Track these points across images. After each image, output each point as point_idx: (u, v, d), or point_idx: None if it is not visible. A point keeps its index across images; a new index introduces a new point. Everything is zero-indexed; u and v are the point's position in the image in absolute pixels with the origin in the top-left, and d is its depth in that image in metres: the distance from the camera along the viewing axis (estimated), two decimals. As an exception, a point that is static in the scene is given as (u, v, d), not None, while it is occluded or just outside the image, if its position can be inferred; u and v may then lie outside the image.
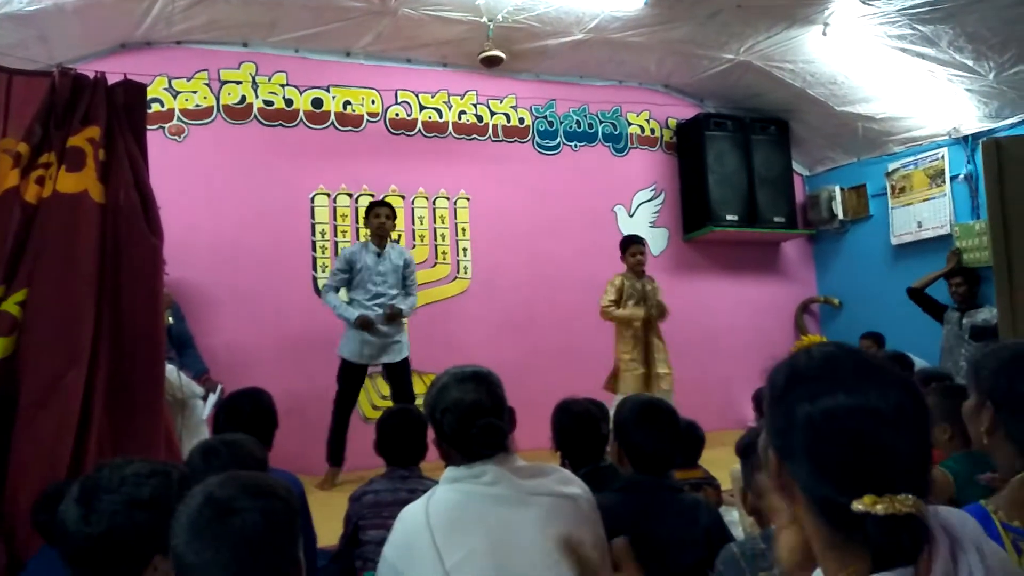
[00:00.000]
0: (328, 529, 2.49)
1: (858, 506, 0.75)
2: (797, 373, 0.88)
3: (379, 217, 4.35)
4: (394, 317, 4.25)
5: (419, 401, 4.61)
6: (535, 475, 1.55)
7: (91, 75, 2.84)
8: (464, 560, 1.40)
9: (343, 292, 4.43)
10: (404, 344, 4.43)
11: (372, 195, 5.27)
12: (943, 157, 5.49)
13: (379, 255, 4.36)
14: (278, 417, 2.53)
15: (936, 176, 5.55)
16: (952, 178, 5.44)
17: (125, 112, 2.87)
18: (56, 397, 2.51)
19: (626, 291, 4.79)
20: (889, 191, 5.90)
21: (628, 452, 1.95)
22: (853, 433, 0.79)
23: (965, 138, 5.31)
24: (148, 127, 3.04)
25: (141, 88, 2.97)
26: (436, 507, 1.48)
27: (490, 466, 1.50)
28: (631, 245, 4.90)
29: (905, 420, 0.80)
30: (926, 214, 5.61)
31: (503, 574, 1.41)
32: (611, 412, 2.31)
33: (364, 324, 4.18)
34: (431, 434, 1.65)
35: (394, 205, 4.67)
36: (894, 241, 5.86)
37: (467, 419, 1.51)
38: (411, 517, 1.50)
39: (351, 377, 4.32)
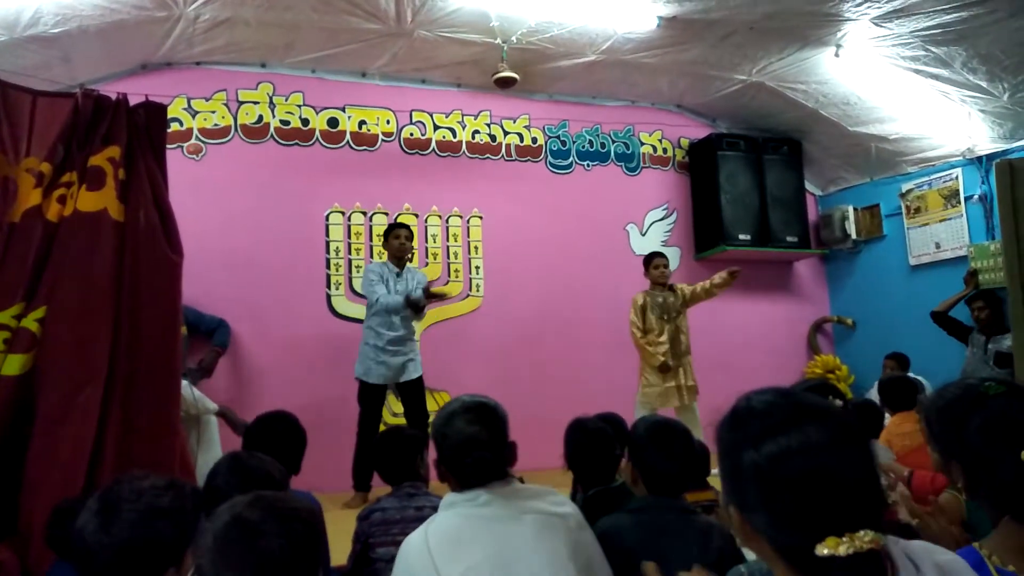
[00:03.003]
0: (336, 548, 2.48)
1: (822, 550, 0.76)
2: (739, 424, 0.89)
3: (399, 238, 4.44)
4: (421, 307, 4.35)
5: (433, 418, 4.62)
6: (528, 496, 1.64)
7: (113, 96, 2.89)
8: (464, 574, 1.46)
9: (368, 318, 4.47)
10: (417, 362, 4.44)
11: (386, 213, 5.32)
12: (957, 178, 5.47)
13: (399, 275, 4.42)
14: (306, 439, 2.54)
15: (951, 197, 5.53)
16: (967, 199, 5.41)
17: (146, 132, 2.92)
18: (72, 414, 2.53)
19: (649, 306, 4.86)
20: (904, 211, 5.87)
21: (643, 473, 1.94)
22: (798, 472, 0.80)
23: (979, 159, 5.29)
24: (167, 146, 3.09)
25: (162, 109, 3.03)
26: (435, 531, 1.57)
27: (483, 490, 1.60)
28: (654, 258, 5.03)
29: (845, 451, 0.81)
30: (943, 235, 5.58)
31: None
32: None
33: (412, 304, 4.24)
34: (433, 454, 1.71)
35: (408, 224, 4.74)
36: (912, 262, 5.83)
37: (463, 449, 1.61)
38: (412, 543, 1.57)
39: (371, 398, 4.33)
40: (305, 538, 1.15)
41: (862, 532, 0.76)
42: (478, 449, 1.60)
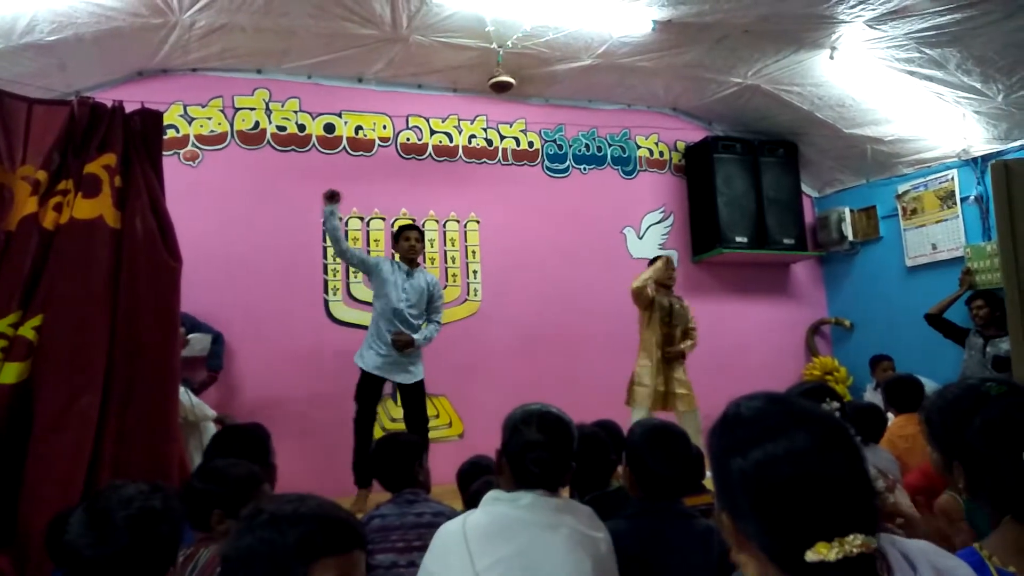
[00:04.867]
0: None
1: (812, 556, 0.77)
2: (727, 431, 0.89)
3: (408, 240, 4.39)
4: (403, 345, 4.24)
5: (431, 423, 4.61)
6: (567, 511, 1.70)
7: (109, 103, 2.90)
8: (494, 564, 1.54)
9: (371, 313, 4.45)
10: (419, 366, 4.41)
11: (383, 219, 5.32)
12: (953, 179, 5.48)
13: (408, 274, 4.39)
14: (272, 449, 2.44)
15: (947, 198, 5.54)
16: (963, 200, 5.43)
17: (142, 139, 2.92)
18: (70, 421, 2.53)
19: (657, 304, 4.82)
20: (900, 213, 5.88)
21: (640, 478, 1.94)
22: (785, 478, 0.80)
23: (975, 160, 5.30)
24: (163, 153, 3.09)
25: (158, 116, 3.03)
26: (473, 520, 1.65)
27: (529, 494, 1.67)
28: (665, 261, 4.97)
29: (832, 456, 0.82)
30: (940, 236, 5.59)
31: None
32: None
33: (330, 195, 4.22)
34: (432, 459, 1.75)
35: (417, 226, 4.65)
36: (909, 263, 5.83)
37: (527, 448, 1.69)
38: (450, 527, 1.66)
39: (368, 392, 4.27)
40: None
41: (852, 536, 0.76)
42: (540, 454, 1.68)
